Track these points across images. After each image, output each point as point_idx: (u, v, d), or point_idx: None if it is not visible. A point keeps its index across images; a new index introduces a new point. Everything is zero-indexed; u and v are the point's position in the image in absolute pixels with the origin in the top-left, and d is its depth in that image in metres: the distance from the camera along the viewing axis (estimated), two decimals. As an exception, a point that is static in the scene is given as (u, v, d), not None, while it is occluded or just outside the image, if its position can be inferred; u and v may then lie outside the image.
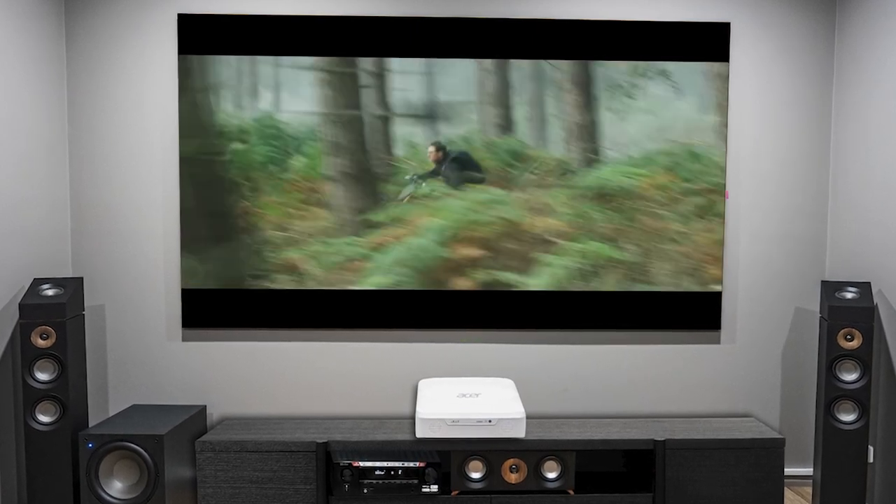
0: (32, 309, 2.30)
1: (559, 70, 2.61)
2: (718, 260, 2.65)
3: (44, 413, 2.32)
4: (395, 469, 2.36)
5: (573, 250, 2.64)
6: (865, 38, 2.52)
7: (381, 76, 2.61)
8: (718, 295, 2.68)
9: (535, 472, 2.36)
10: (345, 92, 2.61)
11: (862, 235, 2.53)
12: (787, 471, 2.68)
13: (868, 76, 2.49)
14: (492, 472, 2.34)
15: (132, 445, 2.25)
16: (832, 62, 2.67)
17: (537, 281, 2.64)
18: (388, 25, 2.60)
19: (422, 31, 2.60)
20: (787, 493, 2.67)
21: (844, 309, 2.37)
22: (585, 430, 2.50)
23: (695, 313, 2.68)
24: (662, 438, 2.40)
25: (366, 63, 2.60)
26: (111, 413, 2.68)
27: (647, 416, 2.72)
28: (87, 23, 2.59)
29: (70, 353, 2.36)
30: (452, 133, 2.61)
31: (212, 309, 2.64)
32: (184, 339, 2.68)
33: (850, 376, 2.37)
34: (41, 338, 2.32)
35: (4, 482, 2.35)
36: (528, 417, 2.61)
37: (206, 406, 2.63)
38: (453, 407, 2.31)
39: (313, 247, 2.62)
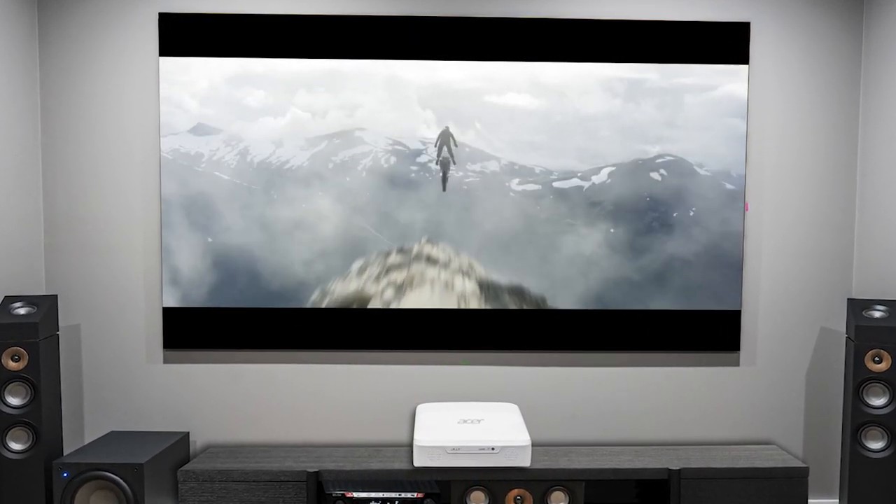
0: (3, 329, 2.34)
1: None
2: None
3: (15, 440, 2.35)
4: (392, 500, 2.39)
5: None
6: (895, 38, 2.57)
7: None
8: (737, 314, 2.71)
9: (542, 504, 2.40)
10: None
11: (891, 250, 2.57)
12: (812, 502, 2.72)
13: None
14: (495, 503, 2.38)
15: (110, 475, 2.28)
16: (859, 64, 2.70)
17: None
18: (389, 26, 2.64)
19: (429, 31, 2.65)
20: (811, 526, 2.72)
21: (872, 329, 2.41)
22: (595, 458, 2.54)
23: (712, 333, 2.72)
24: (677, 467, 2.43)
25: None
26: (87, 440, 2.71)
27: (661, 444, 2.75)
28: (61, 23, 2.63)
29: (43, 376, 2.40)
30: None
31: (195, 329, 2.67)
32: (165, 361, 2.71)
33: (878, 401, 2.41)
34: (12, 360, 2.35)
35: (-27, 515, 2.39)
36: (533, 445, 2.64)
37: (188, 433, 2.66)
38: (454, 434, 2.35)
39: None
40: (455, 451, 2.31)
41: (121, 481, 2.28)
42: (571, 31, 2.65)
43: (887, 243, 2.59)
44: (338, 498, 2.38)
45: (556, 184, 2.67)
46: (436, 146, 2.65)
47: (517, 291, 2.67)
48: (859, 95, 2.71)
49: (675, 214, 2.68)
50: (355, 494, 2.39)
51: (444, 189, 2.66)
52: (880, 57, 2.62)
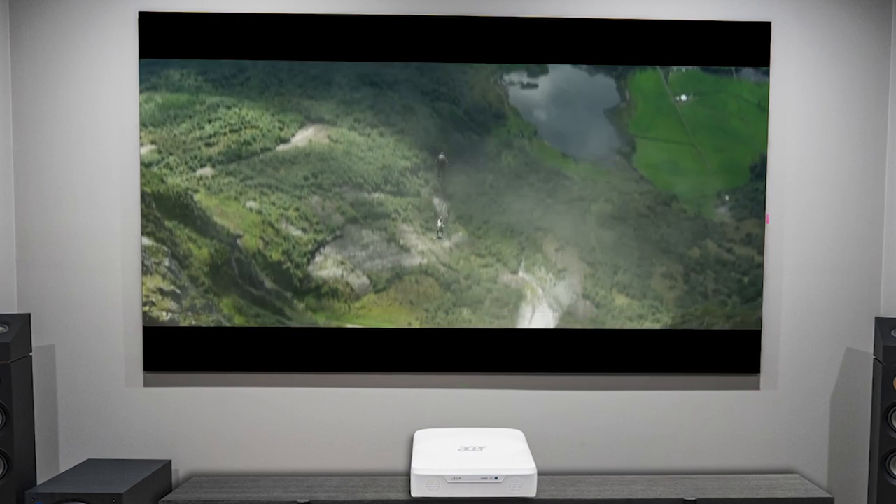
0: (-27, 351, 2.38)
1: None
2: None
3: (-14, 469, 2.40)
4: (388, 533, 2.43)
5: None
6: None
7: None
8: (758, 333, 2.76)
9: (548, 539, 2.44)
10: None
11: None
12: (836, 534, 2.78)
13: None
14: (498, 537, 2.41)
15: (87, 507, 2.32)
16: (888, 66, 2.75)
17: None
18: (388, 25, 2.68)
19: (428, 30, 2.69)
20: (836, 561, 2.77)
21: (901, 352, 2.45)
22: (605, 488, 2.58)
23: (730, 354, 2.77)
24: (693, 498, 2.48)
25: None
26: (62, 469, 2.75)
27: (675, 473, 2.80)
28: (33, 23, 2.67)
29: (15, 400, 2.44)
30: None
31: (177, 350, 2.72)
32: (145, 385, 2.75)
33: (907, 427, 2.45)
34: (-18, 383, 2.39)
35: (-59, 549, 2.43)
36: (539, 474, 2.69)
37: (171, 461, 2.70)
38: (454, 462, 2.39)
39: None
40: (455, 480, 2.35)
41: (99, 513, 2.32)
42: (577, 31, 2.69)
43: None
44: (330, 531, 2.41)
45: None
46: None
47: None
48: (888, 99, 2.75)
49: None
50: (349, 527, 2.43)
51: None
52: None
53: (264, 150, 2.69)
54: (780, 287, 2.78)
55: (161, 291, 2.69)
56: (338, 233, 2.72)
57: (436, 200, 2.72)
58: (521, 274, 2.75)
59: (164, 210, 2.68)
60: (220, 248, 2.69)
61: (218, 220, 2.69)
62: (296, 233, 2.71)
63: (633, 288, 2.75)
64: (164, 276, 2.69)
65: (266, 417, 2.77)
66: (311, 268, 2.72)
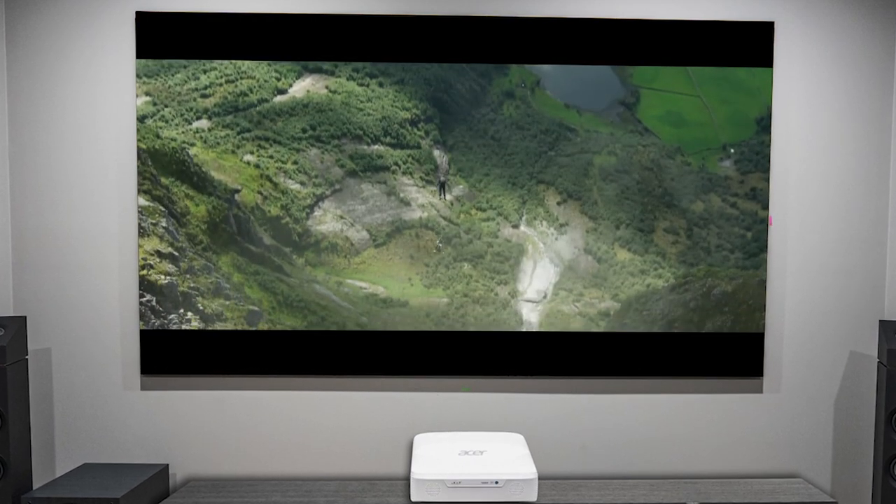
0: (-32, 355, 2.38)
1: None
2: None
3: (-19, 474, 2.40)
4: (387, 538, 2.44)
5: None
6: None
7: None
8: (760, 336, 2.77)
9: (549, 544, 2.44)
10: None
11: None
12: (840, 539, 2.79)
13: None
14: (498, 542, 2.42)
15: (83, 512, 2.33)
16: (892, 68, 2.75)
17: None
18: (389, 26, 2.69)
19: (432, 31, 2.70)
20: (840, 566, 2.77)
21: (905, 355, 2.45)
22: (607, 492, 2.59)
23: (733, 358, 2.77)
24: (696, 502, 2.48)
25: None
26: (58, 473, 2.76)
27: (677, 477, 2.81)
28: (30, 22, 2.67)
29: (11, 404, 2.45)
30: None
31: (175, 353, 2.72)
32: (143, 388, 2.76)
33: (911, 432, 2.46)
34: (-22, 387, 2.39)
35: (-64, 554, 2.43)
36: (540, 478, 2.71)
37: (168, 465, 2.70)
38: (454, 466, 2.39)
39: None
40: (455, 484, 2.35)
41: (95, 518, 2.32)
42: (580, 31, 2.70)
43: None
44: (329, 536, 2.42)
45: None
46: None
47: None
48: (892, 100, 2.76)
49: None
50: (348, 532, 2.43)
51: None
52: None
53: (261, 101, 2.69)
54: (784, 289, 2.78)
55: (159, 254, 2.68)
56: (337, 186, 2.72)
57: (436, 152, 2.71)
58: (522, 228, 2.75)
59: (160, 167, 2.67)
60: (217, 204, 2.69)
61: (215, 174, 2.68)
62: (294, 186, 2.71)
63: (635, 243, 2.75)
64: (161, 238, 2.68)
65: (264, 421, 2.77)
66: (310, 222, 2.72)
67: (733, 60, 2.71)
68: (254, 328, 2.72)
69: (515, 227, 2.75)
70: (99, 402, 2.75)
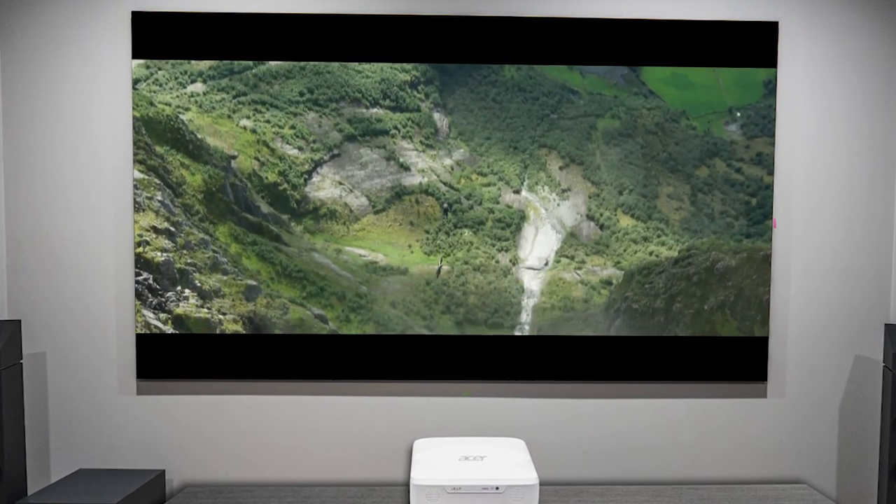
0: (-38, 359, 2.38)
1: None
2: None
3: (-25, 480, 2.39)
4: (386, 545, 2.44)
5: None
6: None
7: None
8: (764, 340, 2.76)
9: (550, 551, 2.44)
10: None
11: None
12: (845, 546, 2.78)
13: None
14: (499, 549, 2.42)
15: (79, 518, 2.32)
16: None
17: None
18: (392, 26, 2.68)
19: (434, 31, 2.70)
20: (845, 573, 2.77)
21: (911, 360, 2.45)
22: (608, 498, 2.58)
23: (737, 362, 2.76)
24: (698, 509, 2.48)
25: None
26: (54, 479, 2.75)
27: (680, 483, 2.80)
28: (24, 22, 2.67)
29: (5, 409, 2.44)
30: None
31: (171, 357, 2.72)
32: (139, 393, 2.75)
33: (917, 438, 2.45)
34: (-28, 392, 2.39)
35: (-71, 561, 2.43)
36: (541, 484, 2.70)
37: (164, 471, 2.70)
38: (454, 472, 2.38)
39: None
40: (456, 490, 2.34)
41: (90, 525, 2.32)
42: (580, 31, 2.69)
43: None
44: (327, 543, 2.41)
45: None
46: None
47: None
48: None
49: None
50: (346, 539, 2.43)
51: None
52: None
53: (257, 63, 2.68)
54: (788, 293, 2.78)
55: (154, 230, 2.67)
56: (335, 151, 2.70)
57: (436, 115, 2.70)
58: (524, 193, 2.74)
59: (154, 135, 2.66)
60: (214, 173, 2.67)
61: (211, 140, 2.67)
62: (292, 152, 2.69)
63: (638, 209, 2.73)
64: (157, 213, 2.67)
65: (262, 426, 2.77)
66: (308, 189, 2.71)
67: (737, 61, 2.71)
68: (251, 302, 2.71)
69: (517, 192, 2.74)
70: (94, 406, 2.75)
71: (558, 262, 2.75)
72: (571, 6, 2.71)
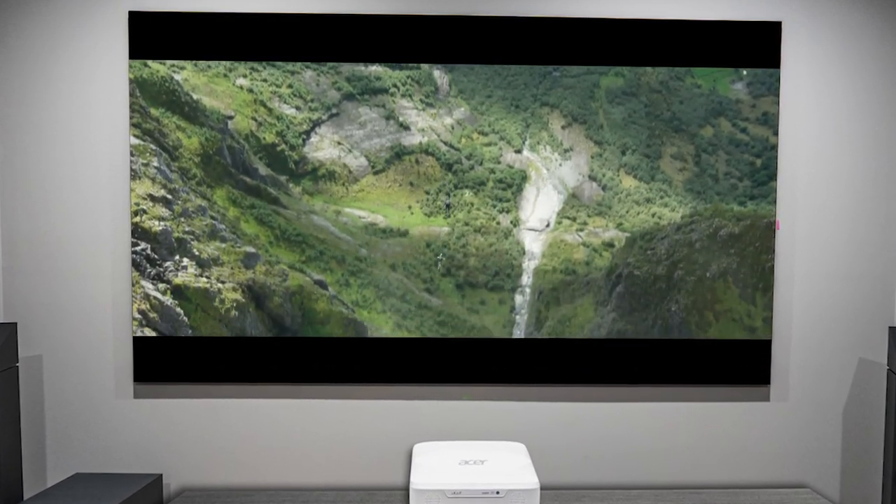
0: (-42, 363, 2.38)
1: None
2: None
3: (-29, 485, 2.39)
4: (385, 550, 2.43)
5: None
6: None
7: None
8: (768, 343, 2.76)
9: (551, 556, 2.43)
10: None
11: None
12: (849, 551, 2.78)
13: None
14: (499, 554, 2.41)
15: (75, 524, 2.32)
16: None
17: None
18: (386, 25, 2.68)
19: (443, 31, 2.70)
20: (849, 578, 2.76)
21: (915, 363, 2.45)
22: (610, 503, 2.58)
23: (739, 365, 2.76)
24: (701, 514, 2.48)
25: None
26: (49, 483, 2.75)
27: (682, 487, 2.80)
28: (20, 23, 2.67)
29: (1, 413, 2.44)
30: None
31: (169, 360, 2.71)
32: (135, 396, 2.75)
33: (921, 442, 2.45)
34: (-32, 396, 2.39)
35: (-76, 566, 2.43)
36: (542, 488, 2.69)
37: (162, 475, 2.69)
38: (454, 476, 2.37)
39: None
40: (456, 494, 2.33)
41: (87, 530, 2.32)
42: (581, 31, 2.69)
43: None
44: (326, 548, 2.41)
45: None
46: None
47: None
48: (901, 103, 2.76)
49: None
50: (345, 544, 2.42)
51: None
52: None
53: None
54: (791, 295, 2.77)
55: (151, 197, 2.66)
56: (334, 111, 2.69)
57: (436, 73, 2.69)
58: (525, 153, 2.72)
59: (149, 97, 2.64)
60: (210, 135, 2.66)
61: (207, 101, 2.66)
62: (289, 112, 2.68)
63: (641, 169, 2.72)
64: (153, 180, 2.66)
65: (261, 430, 2.77)
66: (306, 149, 2.69)
67: (739, 61, 2.71)
68: (251, 270, 2.69)
69: (518, 152, 2.72)
70: (91, 410, 2.74)
71: (560, 223, 2.74)
72: (572, 6, 2.71)
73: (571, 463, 2.79)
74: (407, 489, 2.73)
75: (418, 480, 2.35)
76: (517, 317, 2.76)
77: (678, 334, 2.75)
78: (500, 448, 2.61)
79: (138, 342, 2.70)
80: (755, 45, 2.71)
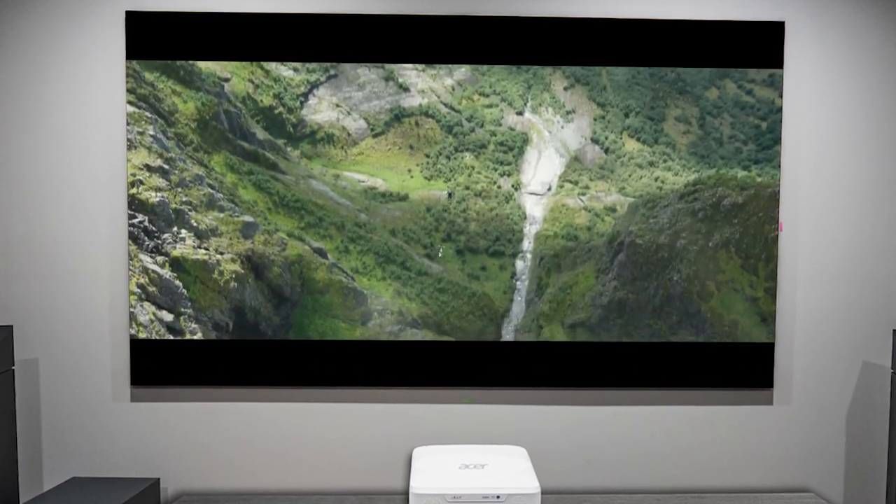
0: (-47, 366, 2.37)
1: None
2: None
3: (-34, 489, 2.39)
4: (385, 555, 2.42)
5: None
6: None
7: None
8: (770, 346, 2.75)
9: (552, 561, 2.43)
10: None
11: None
12: (853, 556, 2.77)
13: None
14: (500, 559, 2.41)
15: (72, 529, 2.32)
16: (903, 70, 2.76)
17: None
18: (394, 25, 2.68)
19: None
20: (853, 583, 2.76)
21: (920, 366, 2.44)
22: (612, 507, 2.59)
23: (742, 368, 2.75)
24: (703, 518, 2.48)
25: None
26: (46, 487, 2.75)
27: (685, 491, 2.79)
28: (15, 23, 2.66)
29: (-3, 417, 2.44)
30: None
31: (166, 363, 2.70)
32: (133, 399, 2.74)
33: (926, 446, 2.44)
34: (-37, 400, 2.38)
35: (-81, 572, 2.42)
36: (543, 493, 2.68)
37: (159, 479, 2.68)
38: (454, 480, 2.36)
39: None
40: (456, 499, 2.32)
41: (84, 535, 2.31)
42: (579, 31, 2.68)
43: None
44: (325, 553, 2.40)
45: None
46: None
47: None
48: (905, 104, 2.76)
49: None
50: (344, 549, 2.41)
51: None
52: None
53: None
54: (794, 298, 2.77)
55: (148, 168, 2.64)
56: (332, 72, 2.67)
57: None
58: (527, 115, 2.70)
59: (143, 61, 2.63)
60: (206, 100, 2.65)
61: (202, 63, 2.64)
62: (287, 73, 2.66)
63: (644, 132, 2.70)
64: (149, 149, 2.64)
65: (259, 434, 2.76)
66: (304, 112, 2.67)
67: (743, 62, 2.70)
68: (249, 240, 2.67)
69: (520, 114, 2.70)
70: (88, 413, 2.74)
71: (561, 187, 2.72)
72: (573, 6, 2.70)
73: (573, 467, 2.78)
74: (407, 493, 2.72)
75: (418, 484, 2.34)
76: (518, 283, 2.75)
77: (679, 304, 2.73)
78: (500, 452, 2.60)
79: (136, 345, 2.69)
80: (758, 46, 2.70)
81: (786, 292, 2.76)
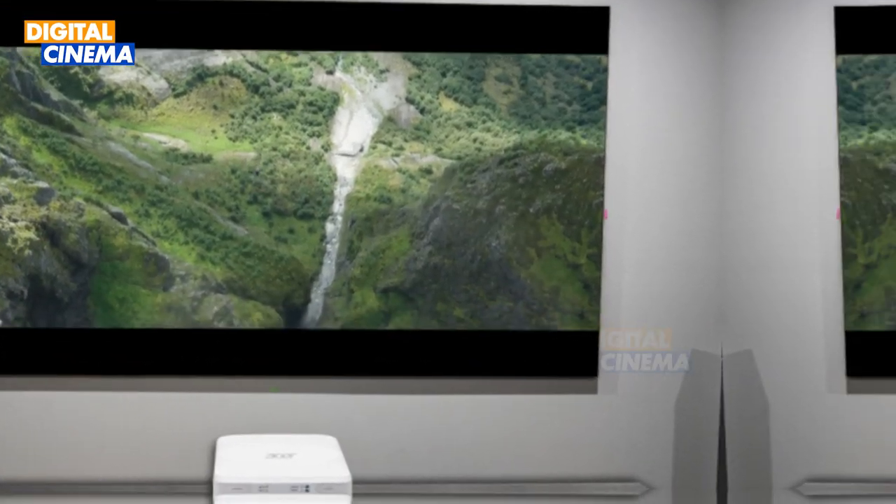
0: None
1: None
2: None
3: None
4: (187, 548, 2.39)
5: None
6: (753, 32, 2.68)
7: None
8: (595, 335, 2.73)
9: (359, 552, 2.39)
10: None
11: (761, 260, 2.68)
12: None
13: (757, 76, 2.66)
14: (308, 549, 2.37)
15: None
16: (722, 56, 2.75)
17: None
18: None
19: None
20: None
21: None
22: (428, 497, 2.57)
23: (566, 357, 2.73)
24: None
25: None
26: None
27: (505, 481, 2.77)
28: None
29: None
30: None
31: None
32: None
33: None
34: None
35: None
36: (355, 482, 2.64)
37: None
38: (261, 469, 2.33)
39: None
40: (264, 489, 2.29)
41: None
42: (420, 17, 2.66)
43: (761, 252, 2.70)
44: (120, 545, 2.36)
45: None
46: None
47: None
48: (723, 88, 2.75)
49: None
50: (140, 541, 2.37)
51: None
52: (742, 47, 2.71)
53: None
54: (620, 286, 2.76)
55: None
56: None
57: None
58: (338, 74, 2.66)
59: None
60: None
61: None
62: None
63: (462, 92, 2.66)
64: None
65: (55, 423, 2.67)
66: (101, 72, 2.59)
67: (568, 47, 2.68)
68: (44, 207, 2.56)
69: (330, 73, 2.66)
70: None
71: (374, 148, 2.68)
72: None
73: (387, 456, 2.74)
74: (211, 482, 2.66)
75: (223, 473, 2.31)
76: (328, 246, 2.70)
77: (498, 270, 2.68)
78: (309, 441, 2.57)
79: None
80: (583, 32, 2.68)
81: (611, 280, 2.75)
